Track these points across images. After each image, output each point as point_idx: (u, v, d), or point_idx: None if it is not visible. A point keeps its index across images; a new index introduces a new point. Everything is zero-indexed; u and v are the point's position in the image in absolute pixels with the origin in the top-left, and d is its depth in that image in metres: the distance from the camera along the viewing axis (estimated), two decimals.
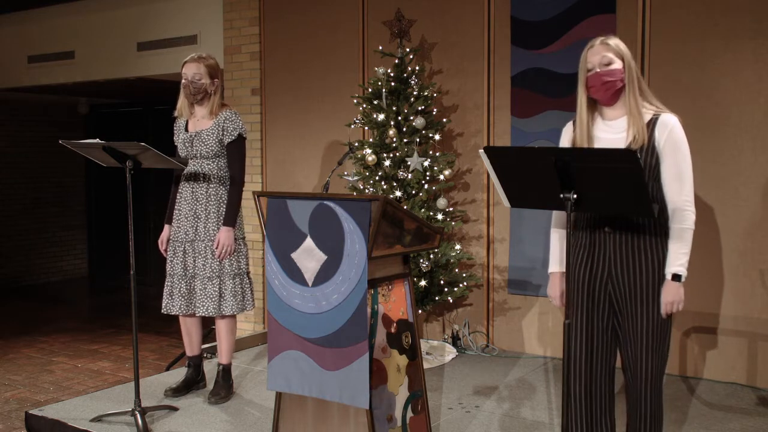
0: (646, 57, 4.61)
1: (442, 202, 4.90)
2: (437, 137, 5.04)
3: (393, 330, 2.87)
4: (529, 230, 5.04)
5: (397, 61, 5.01)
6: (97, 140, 3.71)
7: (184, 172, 4.10)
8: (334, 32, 5.81)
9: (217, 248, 4.00)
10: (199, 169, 4.05)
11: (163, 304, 4.13)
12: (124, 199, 3.84)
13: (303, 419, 2.97)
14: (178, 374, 4.52)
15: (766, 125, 4.32)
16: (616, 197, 2.47)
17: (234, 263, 4.08)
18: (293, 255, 2.88)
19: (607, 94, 2.73)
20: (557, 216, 2.94)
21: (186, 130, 4.15)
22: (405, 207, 3.78)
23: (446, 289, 4.95)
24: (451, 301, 5.06)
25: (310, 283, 2.84)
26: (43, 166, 10.03)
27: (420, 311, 5.17)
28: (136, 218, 3.80)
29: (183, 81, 4.06)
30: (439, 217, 4.90)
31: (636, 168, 2.32)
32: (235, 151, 4.07)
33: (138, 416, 3.66)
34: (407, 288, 2.97)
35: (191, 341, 4.28)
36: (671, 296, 2.67)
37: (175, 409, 4.01)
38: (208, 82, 4.07)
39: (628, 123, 2.72)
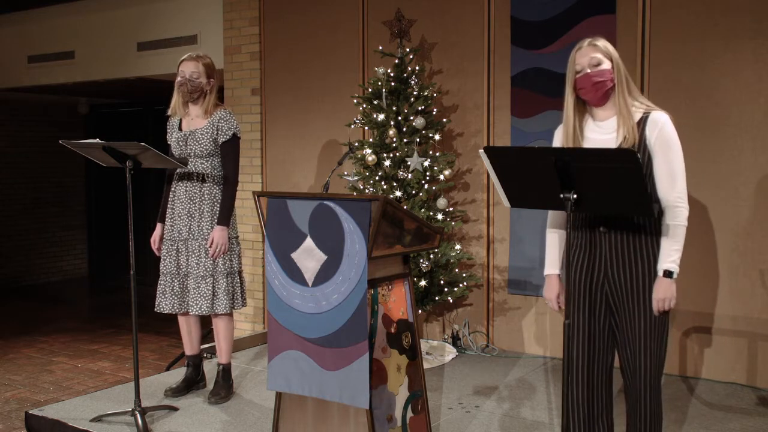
0: (646, 57, 4.61)
1: (442, 202, 4.90)
2: (437, 137, 5.04)
3: (393, 330, 2.87)
4: (529, 230, 5.04)
5: (397, 61, 5.01)
6: (97, 140, 3.71)
7: (177, 171, 4.10)
8: (334, 32, 5.81)
9: (211, 247, 4.00)
10: (193, 169, 4.05)
11: (156, 303, 4.14)
12: (124, 199, 3.84)
13: (303, 419, 2.97)
14: (178, 374, 4.52)
15: (766, 125, 4.32)
16: (616, 197, 2.47)
17: (227, 262, 4.09)
18: (293, 255, 2.88)
19: (597, 94, 2.73)
20: (552, 216, 2.94)
21: (180, 128, 4.15)
22: (405, 207, 3.78)
23: (446, 289, 4.95)
24: (451, 301, 5.06)
25: (310, 283, 2.84)
26: (43, 166, 10.03)
27: (420, 311, 5.17)
28: (136, 218, 3.80)
29: (179, 79, 4.06)
30: (439, 217, 4.90)
31: (636, 168, 2.32)
32: (229, 151, 4.08)
33: (138, 416, 3.66)
34: (407, 288, 2.97)
35: (189, 340, 4.29)
36: (662, 293, 2.67)
37: (175, 409, 4.01)
38: (205, 81, 4.08)
39: (618, 123, 2.72)
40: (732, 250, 4.43)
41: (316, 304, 2.83)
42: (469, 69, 5.25)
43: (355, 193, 4.92)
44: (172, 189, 4.12)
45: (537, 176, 2.51)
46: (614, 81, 2.73)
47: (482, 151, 2.57)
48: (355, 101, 5.19)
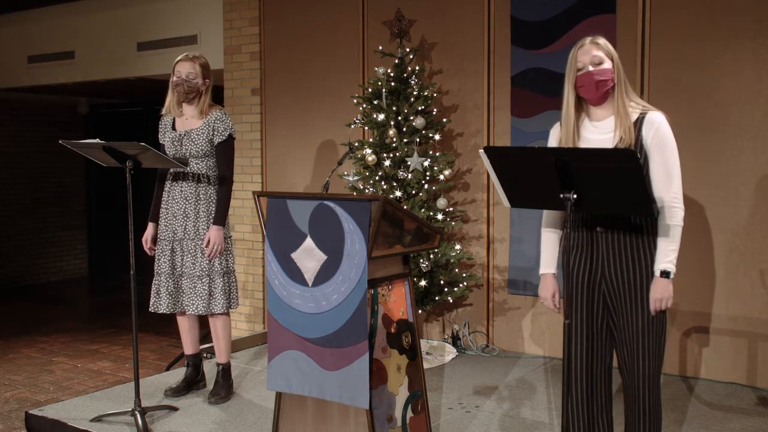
0: (646, 57, 4.61)
1: (442, 202, 4.90)
2: (437, 137, 5.04)
3: (393, 330, 2.87)
4: (529, 230, 5.04)
5: (397, 61, 5.01)
6: (97, 140, 3.71)
7: (171, 170, 4.10)
8: (334, 32, 5.81)
9: (207, 247, 4.01)
10: (189, 169, 4.06)
11: (151, 303, 4.13)
12: (124, 199, 3.84)
13: (303, 419, 2.97)
14: (178, 374, 4.52)
15: (766, 125, 4.32)
16: (616, 197, 2.47)
17: (223, 262, 4.10)
18: (293, 255, 2.88)
19: (598, 93, 2.73)
20: (547, 215, 2.94)
21: (173, 128, 4.15)
22: (405, 207, 3.78)
23: (446, 289, 4.95)
24: (451, 301, 5.05)
25: (310, 283, 2.84)
26: (43, 166, 10.03)
27: (420, 311, 5.17)
28: (136, 218, 3.80)
29: (175, 79, 4.07)
30: (439, 217, 4.90)
31: (636, 168, 2.32)
32: (225, 152, 4.09)
33: (138, 416, 3.66)
34: (407, 288, 2.97)
35: (188, 340, 4.29)
36: (659, 293, 2.67)
37: (175, 409, 4.01)
38: (201, 81, 4.08)
39: (616, 123, 2.72)
40: (732, 250, 4.43)
41: (316, 304, 2.83)
42: (469, 69, 5.25)
43: (355, 193, 4.92)
44: (167, 189, 4.12)
45: (537, 176, 2.51)
46: (614, 81, 2.73)
47: (482, 151, 2.57)
48: (355, 101, 5.19)
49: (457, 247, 4.97)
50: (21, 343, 6.61)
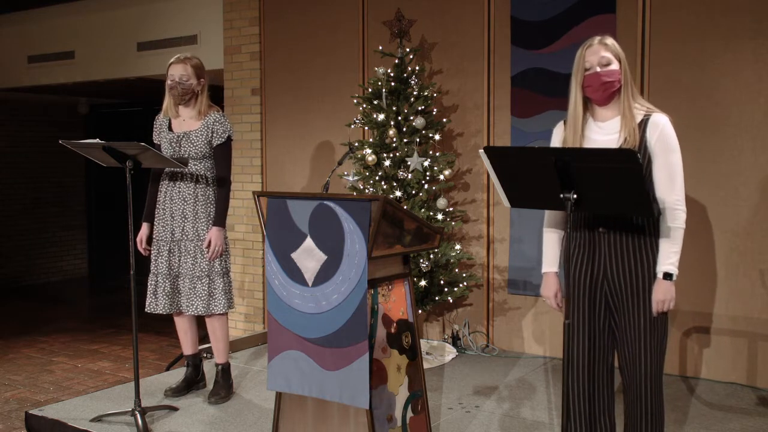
0: (646, 57, 4.61)
1: (442, 202, 4.90)
2: (437, 137, 5.03)
3: (393, 330, 2.87)
4: (529, 230, 5.04)
5: (397, 61, 5.01)
6: (97, 140, 3.71)
7: (166, 171, 4.10)
8: (334, 32, 5.81)
9: (208, 248, 4.01)
10: (187, 170, 4.06)
11: (147, 303, 4.13)
12: (124, 199, 3.83)
13: (303, 419, 2.97)
14: (178, 374, 4.52)
15: (766, 125, 4.32)
16: (617, 197, 2.47)
17: (222, 262, 4.10)
18: (293, 255, 2.88)
19: (605, 94, 2.73)
20: (549, 215, 2.94)
21: (170, 129, 4.15)
22: (405, 207, 3.78)
23: (446, 289, 4.95)
24: (451, 301, 5.05)
25: (310, 283, 2.84)
26: (43, 166, 10.03)
27: (420, 311, 5.17)
28: (136, 218, 3.80)
29: (169, 82, 4.07)
30: (439, 217, 4.90)
31: (636, 168, 2.32)
32: (223, 154, 4.09)
33: (138, 416, 3.66)
34: (407, 288, 2.97)
35: (186, 340, 4.29)
36: (662, 294, 2.68)
37: (175, 409, 4.01)
38: (195, 82, 4.08)
39: (621, 125, 2.72)
40: (732, 250, 4.43)
41: (316, 304, 2.83)
42: (469, 69, 5.24)
43: (355, 193, 4.92)
44: (163, 189, 4.12)
45: (537, 176, 2.51)
46: (621, 82, 2.73)
47: (482, 151, 2.57)
48: (355, 101, 5.19)
49: (457, 247, 4.97)
50: (21, 343, 6.61)
